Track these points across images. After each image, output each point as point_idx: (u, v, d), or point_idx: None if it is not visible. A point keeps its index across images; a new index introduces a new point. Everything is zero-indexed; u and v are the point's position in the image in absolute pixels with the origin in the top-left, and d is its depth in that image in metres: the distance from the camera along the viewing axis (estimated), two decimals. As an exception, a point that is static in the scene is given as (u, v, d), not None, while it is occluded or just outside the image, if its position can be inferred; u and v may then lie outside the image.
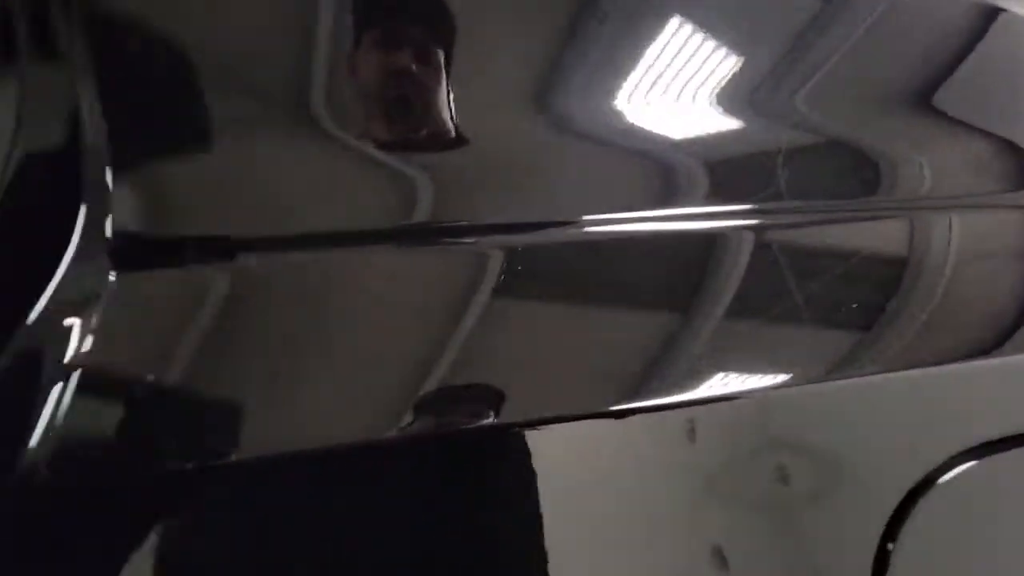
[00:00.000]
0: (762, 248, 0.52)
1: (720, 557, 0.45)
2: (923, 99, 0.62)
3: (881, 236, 0.58)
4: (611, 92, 0.51)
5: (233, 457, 0.37)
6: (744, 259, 0.52)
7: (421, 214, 0.45)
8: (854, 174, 0.59)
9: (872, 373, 0.52)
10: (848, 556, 0.48)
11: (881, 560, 0.47)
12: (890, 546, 0.47)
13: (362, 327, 0.41)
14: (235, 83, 0.42)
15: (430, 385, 0.41)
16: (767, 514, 0.47)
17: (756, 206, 0.54)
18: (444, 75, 0.45)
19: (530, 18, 0.49)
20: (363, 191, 0.44)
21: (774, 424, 0.48)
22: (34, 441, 0.33)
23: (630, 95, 0.51)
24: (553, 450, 0.43)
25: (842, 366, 0.52)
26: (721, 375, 0.48)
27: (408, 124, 0.44)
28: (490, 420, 0.41)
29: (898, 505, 0.48)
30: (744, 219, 0.53)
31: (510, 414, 0.41)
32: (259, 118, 0.42)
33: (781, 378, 0.49)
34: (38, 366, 0.34)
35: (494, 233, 0.46)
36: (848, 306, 0.54)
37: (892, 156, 0.60)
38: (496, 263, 0.45)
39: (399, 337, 0.42)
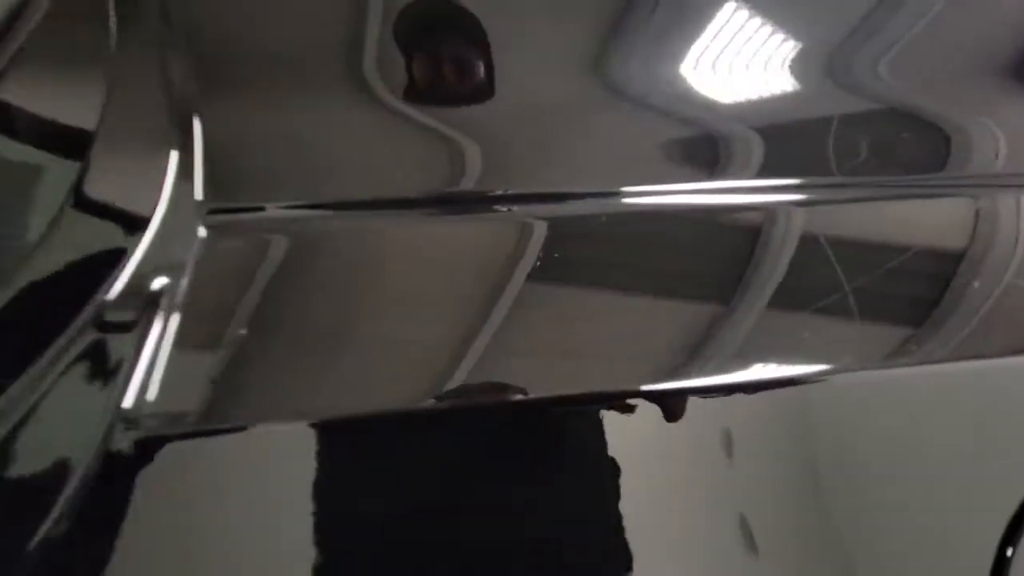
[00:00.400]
0: (812, 228, 0.51)
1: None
2: (1005, 70, 0.59)
3: (946, 216, 0.56)
4: (665, 60, 0.51)
5: (297, 418, 0.38)
6: (794, 239, 0.51)
7: (472, 182, 0.46)
8: (921, 147, 0.57)
9: (935, 362, 0.50)
10: (964, 558, 0.47)
11: (999, 564, 0.46)
12: (1009, 551, 0.45)
13: (413, 295, 0.43)
14: (302, 62, 0.44)
15: (471, 359, 0.42)
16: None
17: (807, 180, 0.53)
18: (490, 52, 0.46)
19: None
20: (419, 158, 0.46)
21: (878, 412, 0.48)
22: (130, 395, 0.35)
23: (686, 63, 0.51)
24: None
25: (905, 354, 0.50)
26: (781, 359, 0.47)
27: (460, 93, 0.46)
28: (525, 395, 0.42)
29: (1019, 508, 0.46)
30: (796, 193, 0.52)
31: (540, 390, 0.42)
32: (324, 93, 0.44)
33: (843, 363, 0.48)
34: (132, 324, 0.36)
35: (539, 202, 0.47)
36: (910, 291, 0.52)
37: (966, 129, 0.58)
38: (540, 232, 0.46)
39: (445, 307, 0.43)
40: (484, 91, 0.46)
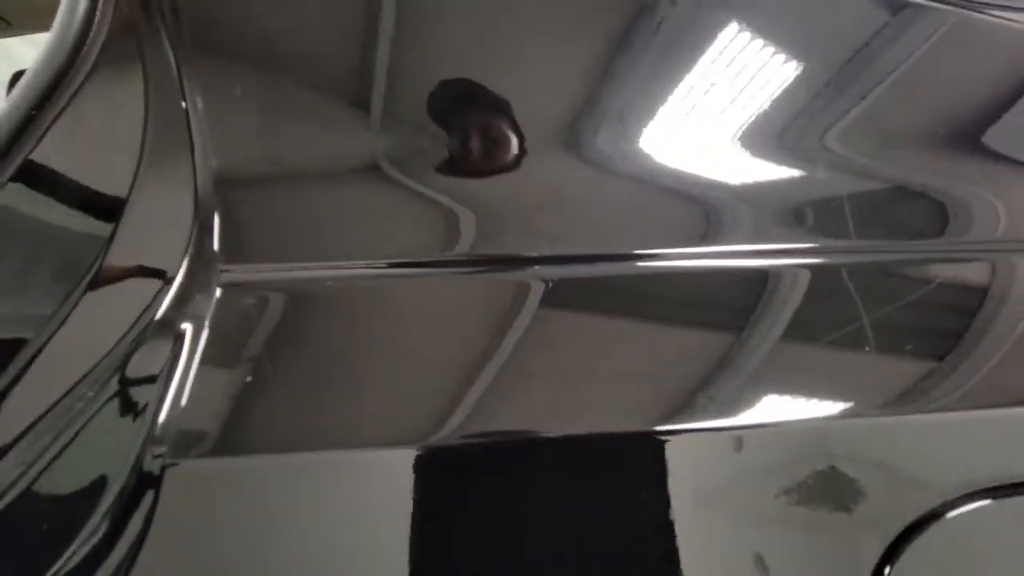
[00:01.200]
0: (818, 288, 0.53)
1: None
2: (997, 141, 0.61)
3: (955, 278, 0.57)
4: (679, 138, 0.55)
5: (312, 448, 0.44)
6: (799, 295, 0.53)
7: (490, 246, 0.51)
8: (923, 216, 0.58)
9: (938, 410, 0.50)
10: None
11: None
12: (887, 570, 0.47)
13: (425, 340, 0.48)
14: (310, 142, 0.51)
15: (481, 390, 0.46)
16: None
17: (817, 245, 0.55)
18: (515, 130, 0.51)
19: (591, 58, 0.55)
20: (441, 224, 0.51)
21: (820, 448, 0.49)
22: (158, 422, 0.41)
23: (697, 143, 0.55)
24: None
25: (905, 402, 0.51)
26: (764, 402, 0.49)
27: (475, 168, 0.52)
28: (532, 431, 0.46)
29: (900, 534, 0.47)
30: (804, 258, 0.55)
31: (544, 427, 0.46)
32: (329, 170, 0.50)
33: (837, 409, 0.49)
34: (160, 362, 0.43)
35: (554, 264, 0.51)
36: (914, 346, 0.53)
37: (964, 198, 0.59)
38: (552, 290, 0.50)
39: (456, 348, 0.48)
40: (488, 166, 0.52)
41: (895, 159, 0.59)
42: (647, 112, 0.55)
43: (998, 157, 0.61)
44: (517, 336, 0.48)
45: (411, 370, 0.47)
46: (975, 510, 0.48)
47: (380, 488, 0.44)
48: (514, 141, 0.51)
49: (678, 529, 0.45)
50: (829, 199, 0.56)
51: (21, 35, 2.76)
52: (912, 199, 0.59)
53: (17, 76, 1.64)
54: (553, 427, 0.46)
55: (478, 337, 0.48)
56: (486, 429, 0.46)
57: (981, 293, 0.56)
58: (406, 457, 0.44)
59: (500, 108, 0.52)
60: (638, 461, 0.47)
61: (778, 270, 0.54)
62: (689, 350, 0.51)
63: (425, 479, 0.44)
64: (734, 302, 0.53)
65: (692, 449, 0.47)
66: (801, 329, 0.52)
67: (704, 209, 0.55)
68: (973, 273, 0.57)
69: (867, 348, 0.51)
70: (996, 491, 0.48)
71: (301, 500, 0.43)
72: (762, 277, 0.54)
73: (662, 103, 0.56)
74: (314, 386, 0.45)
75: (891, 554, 0.46)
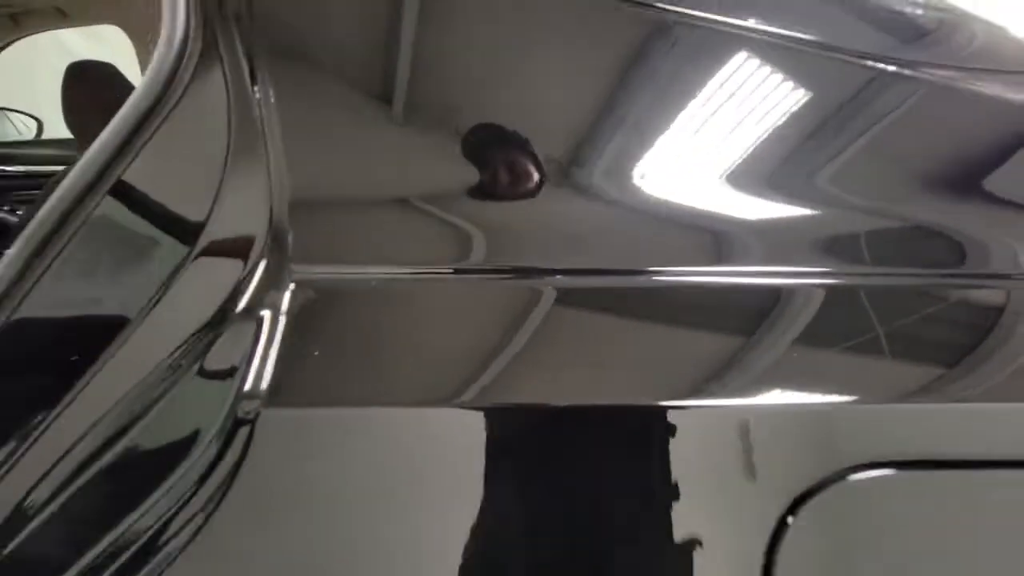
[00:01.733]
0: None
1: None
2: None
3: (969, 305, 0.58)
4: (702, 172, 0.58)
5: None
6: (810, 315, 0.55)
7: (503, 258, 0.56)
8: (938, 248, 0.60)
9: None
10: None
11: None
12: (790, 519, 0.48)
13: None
14: (369, 171, 0.58)
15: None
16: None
17: (832, 269, 0.57)
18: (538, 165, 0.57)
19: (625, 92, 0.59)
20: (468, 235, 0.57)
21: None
22: (249, 379, 0.49)
23: (718, 181, 0.58)
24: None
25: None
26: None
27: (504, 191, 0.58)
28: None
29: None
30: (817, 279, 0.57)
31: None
32: (388, 192, 0.57)
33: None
34: (246, 337, 0.50)
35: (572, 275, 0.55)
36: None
37: (982, 236, 0.60)
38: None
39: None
40: (518, 191, 0.57)
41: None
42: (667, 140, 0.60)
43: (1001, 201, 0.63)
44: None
45: (448, 345, 0.53)
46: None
47: (416, 442, 0.50)
48: (536, 173, 0.57)
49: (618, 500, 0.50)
50: (847, 232, 0.58)
51: (76, 27, 2.90)
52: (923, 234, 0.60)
53: (73, 67, 1.84)
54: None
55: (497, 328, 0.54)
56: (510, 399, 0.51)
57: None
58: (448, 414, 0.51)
59: (531, 142, 0.58)
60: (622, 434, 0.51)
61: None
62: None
63: (463, 437, 0.49)
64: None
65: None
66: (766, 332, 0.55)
67: (719, 232, 0.58)
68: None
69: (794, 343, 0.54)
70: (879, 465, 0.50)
71: (362, 446, 0.50)
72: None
73: (684, 134, 0.60)
74: (366, 353, 0.52)
75: (794, 508, 0.48)
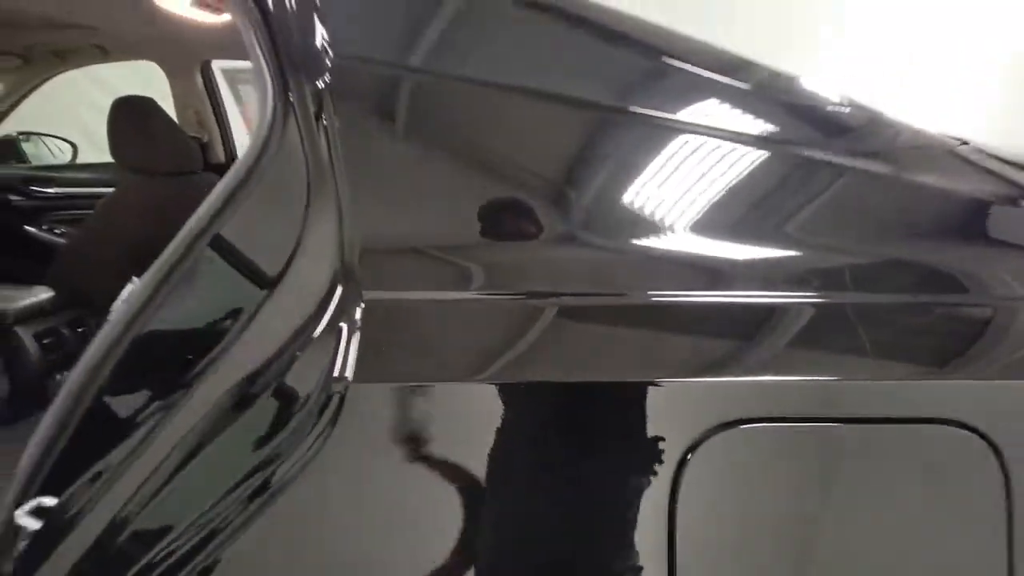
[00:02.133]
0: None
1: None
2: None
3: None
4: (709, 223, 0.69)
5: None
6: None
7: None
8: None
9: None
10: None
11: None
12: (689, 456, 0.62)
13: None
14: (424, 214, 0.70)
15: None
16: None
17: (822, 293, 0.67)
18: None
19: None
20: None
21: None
22: (335, 369, 0.63)
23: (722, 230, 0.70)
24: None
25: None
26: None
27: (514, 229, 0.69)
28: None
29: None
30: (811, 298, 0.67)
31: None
32: (431, 243, 0.68)
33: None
34: (330, 342, 0.63)
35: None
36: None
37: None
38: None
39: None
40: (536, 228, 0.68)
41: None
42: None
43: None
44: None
45: (475, 345, 0.66)
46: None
47: (453, 408, 0.64)
48: (537, 224, 0.68)
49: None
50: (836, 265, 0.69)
51: (115, 62, 3.11)
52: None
53: (120, 102, 2.03)
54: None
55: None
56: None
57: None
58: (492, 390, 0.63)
59: (534, 203, 0.69)
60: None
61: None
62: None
63: (485, 406, 0.63)
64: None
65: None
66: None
67: (714, 258, 0.68)
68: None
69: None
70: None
71: (415, 409, 0.64)
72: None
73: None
74: (417, 347, 0.66)
75: (695, 446, 0.62)
